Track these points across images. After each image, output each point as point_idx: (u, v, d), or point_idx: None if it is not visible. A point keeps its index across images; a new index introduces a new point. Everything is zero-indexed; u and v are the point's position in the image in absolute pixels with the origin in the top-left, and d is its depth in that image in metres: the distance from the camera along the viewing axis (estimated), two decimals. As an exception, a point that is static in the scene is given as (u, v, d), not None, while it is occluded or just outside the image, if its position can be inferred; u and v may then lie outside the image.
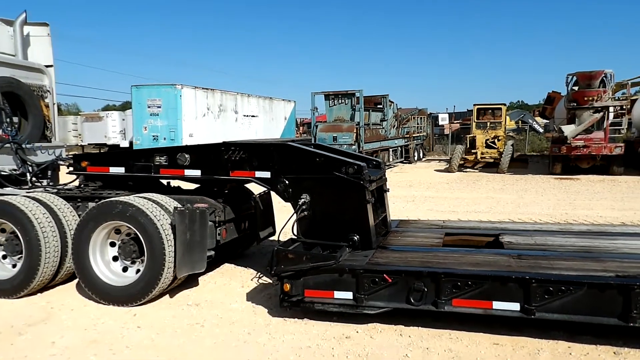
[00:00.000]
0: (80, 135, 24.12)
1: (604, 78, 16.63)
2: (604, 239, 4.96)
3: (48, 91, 6.95)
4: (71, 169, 5.85)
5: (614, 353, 3.62)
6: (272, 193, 5.33)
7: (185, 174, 5.21)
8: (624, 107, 17.08)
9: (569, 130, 16.41)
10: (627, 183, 14.56)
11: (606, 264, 4.02)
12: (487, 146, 19.60)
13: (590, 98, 16.32)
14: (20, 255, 4.97)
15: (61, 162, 6.47)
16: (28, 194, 5.26)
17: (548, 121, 25.45)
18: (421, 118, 29.04)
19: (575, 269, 3.88)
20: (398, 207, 10.30)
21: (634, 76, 19.81)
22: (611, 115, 16.85)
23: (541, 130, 30.12)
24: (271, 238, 6.38)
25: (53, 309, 4.77)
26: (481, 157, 19.58)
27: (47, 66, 7.03)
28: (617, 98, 17.67)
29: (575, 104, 16.77)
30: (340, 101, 19.88)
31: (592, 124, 16.52)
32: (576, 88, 17.13)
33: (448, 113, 32.61)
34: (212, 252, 4.94)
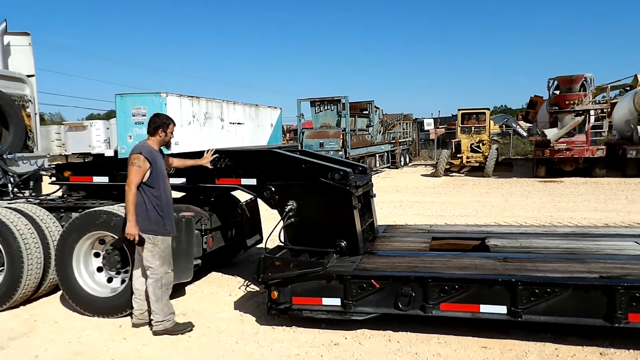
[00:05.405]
0: (63, 144, 23.76)
1: (584, 82, 16.91)
2: (588, 240, 5.02)
3: (29, 100, 6.86)
4: (54, 179, 5.77)
5: (600, 354, 3.65)
6: (259, 200, 5.31)
7: (171, 182, 5.16)
8: (605, 110, 17.38)
9: (551, 133, 16.64)
10: (609, 185, 14.80)
11: (590, 265, 4.06)
12: (472, 150, 19.79)
13: (572, 102, 16.58)
14: (1, 268, 4.87)
15: (43, 172, 6.39)
16: (9, 205, 5.16)
17: (531, 125, 25.78)
18: (407, 123, 29.22)
19: (560, 271, 3.92)
20: (385, 212, 10.32)
21: (614, 80, 20.25)
22: (592, 118, 17.12)
23: (525, 134, 30.49)
24: (258, 245, 6.34)
25: (36, 321, 4.68)
26: (467, 162, 19.78)
27: (28, 76, 6.94)
28: (597, 101, 17.99)
29: (557, 108, 17.02)
30: (326, 107, 19.94)
31: (574, 127, 16.76)
32: (557, 92, 17.40)
33: (433, 118, 32.90)
34: (199, 261, 4.90)
